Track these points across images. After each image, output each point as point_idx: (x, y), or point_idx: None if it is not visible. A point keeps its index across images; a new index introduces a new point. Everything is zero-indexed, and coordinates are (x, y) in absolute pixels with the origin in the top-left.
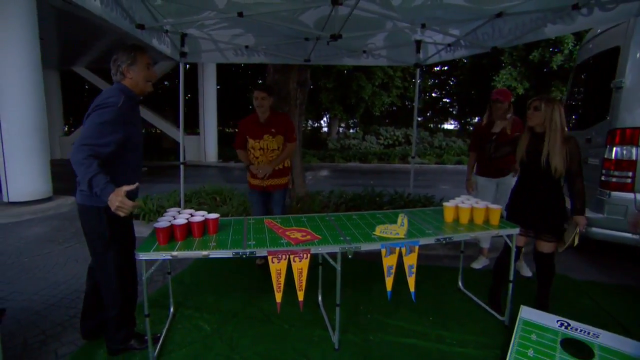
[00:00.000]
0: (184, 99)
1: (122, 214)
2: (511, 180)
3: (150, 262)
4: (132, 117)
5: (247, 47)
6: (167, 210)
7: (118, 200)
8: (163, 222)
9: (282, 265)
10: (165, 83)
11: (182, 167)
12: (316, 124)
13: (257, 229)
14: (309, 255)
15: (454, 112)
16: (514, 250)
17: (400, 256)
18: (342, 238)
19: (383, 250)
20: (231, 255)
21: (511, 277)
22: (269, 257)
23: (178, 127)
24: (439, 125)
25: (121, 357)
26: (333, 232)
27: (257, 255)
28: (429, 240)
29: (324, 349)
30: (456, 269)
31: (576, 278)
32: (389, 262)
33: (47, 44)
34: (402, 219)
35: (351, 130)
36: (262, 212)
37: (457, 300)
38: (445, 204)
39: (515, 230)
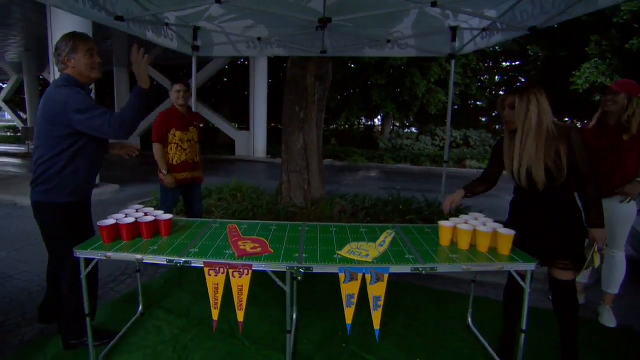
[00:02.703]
0: (195, 94)
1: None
2: (619, 206)
3: (89, 260)
4: None
5: (259, 39)
6: (130, 207)
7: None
8: (108, 220)
9: (220, 279)
10: (225, 80)
11: None
12: (369, 122)
13: (214, 234)
14: (250, 271)
15: None
16: (527, 290)
17: (364, 283)
18: (297, 255)
19: (341, 275)
20: (165, 262)
21: (524, 326)
22: (205, 269)
23: (232, 123)
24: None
25: (73, 352)
26: (293, 246)
27: (192, 265)
28: (403, 269)
29: None
30: (476, 299)
31: None
32: (348, 289)
33: (117, 43)
34: (385, 238)
35: (406, 130)
36: (173, 207)
37: (460, 341)
38: (440, 223)
39: (530, 266)
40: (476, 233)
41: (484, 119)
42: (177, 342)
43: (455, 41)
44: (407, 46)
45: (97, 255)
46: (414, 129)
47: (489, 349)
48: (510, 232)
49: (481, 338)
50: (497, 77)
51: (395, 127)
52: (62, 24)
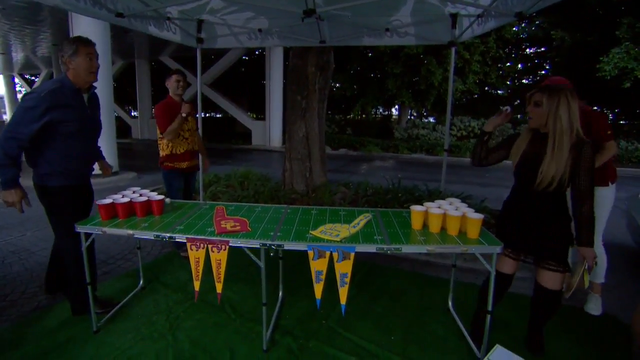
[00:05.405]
0: (200, 84)
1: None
2: (609, 192)
3: (88, 235)
4: (67, 103)
5: (260, 30)
6: (128, 188)
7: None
8: (106, 200)
9: (201, 254)
10: (242, 69)
11: None
12: (387, 112)
13: (202, 214)
14: (227, 247)
15: None
16: (493, 273)
17: (331, 262)
18: (272, 233)
19: (310, 253)
20: (152, 238)
21: (490, 307)
22: (187, 244)
23: (249, 113)
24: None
25: (80, 317)
26: (271, 225)
27: (176, 240)
28: (369, 248)
29: (253, 347)
30: (463, 285)
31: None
32: (317, 266)
33: (138, 36)
34: (360, 220)
35: (424, 120)
36: (182, 193)
37: (437, 323)
38: (412, 207)
39: (495, 249)
40: (446, 217)
41: (506, 109)
42: (170, 312)
43: (456, 28)
44: (406, 34)
45: (94, 230)
46: (431, 119)
47: (464, 330)
48: (479, 216)
49: (458, 320)
50: (519, 65)
51: (412, 117)
52: (82, 21)
